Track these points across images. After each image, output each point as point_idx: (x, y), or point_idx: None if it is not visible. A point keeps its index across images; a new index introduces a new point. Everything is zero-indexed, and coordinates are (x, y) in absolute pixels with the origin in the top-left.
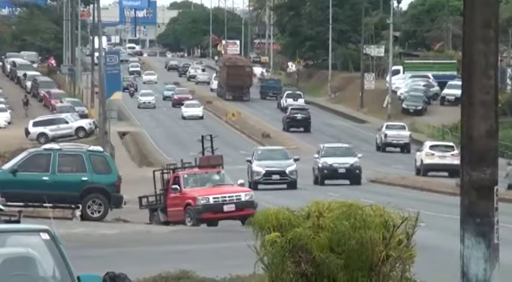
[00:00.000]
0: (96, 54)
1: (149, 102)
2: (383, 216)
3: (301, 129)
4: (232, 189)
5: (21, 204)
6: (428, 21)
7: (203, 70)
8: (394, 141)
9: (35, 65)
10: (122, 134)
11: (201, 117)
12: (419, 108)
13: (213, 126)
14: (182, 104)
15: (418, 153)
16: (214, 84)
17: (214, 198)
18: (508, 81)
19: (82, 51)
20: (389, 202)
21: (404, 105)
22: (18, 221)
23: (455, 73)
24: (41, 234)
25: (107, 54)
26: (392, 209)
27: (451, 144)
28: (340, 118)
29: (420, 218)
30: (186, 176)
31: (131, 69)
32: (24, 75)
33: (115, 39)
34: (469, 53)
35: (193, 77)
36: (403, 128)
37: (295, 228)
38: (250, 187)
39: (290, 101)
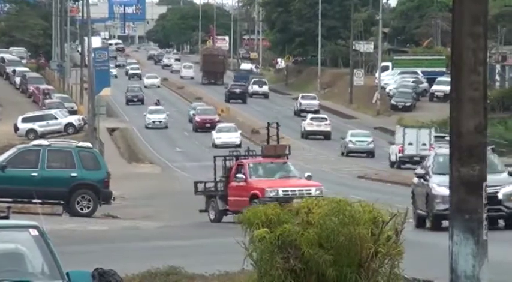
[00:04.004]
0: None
1: (160, 121)
2: (372, 213)
3: (239, 100)
4: (301, 182)
5: (10, 200)
6: (417, 18)
7: (177, 60)
8: (306, 108)
9: (24, 61)
10: (111, 130)
11: (239, 146)
12: (408, 104)
13: None
14: (206, 127)
15: (303, 122)
16: (183, 72)
17: (283, 191)
18: (497, 77)
19: (71, 47)
20: (378, 199)
21: (393, 102)
22: (7, 217)
23: (444, 69)
24: (30, 230)
25: (95, 50)
26: (381, 205)
27: (324, 116)
28: (329, 114)
29: (409, 214)
30: (251, 164)
31: (131, 72)
32: (13, 71)
33: (104, 35)
34: (458, 50)
35: (168, 66)
36: (314, 98)
37: (284, 224)
38: (420, 224)
39: (256, 87)
